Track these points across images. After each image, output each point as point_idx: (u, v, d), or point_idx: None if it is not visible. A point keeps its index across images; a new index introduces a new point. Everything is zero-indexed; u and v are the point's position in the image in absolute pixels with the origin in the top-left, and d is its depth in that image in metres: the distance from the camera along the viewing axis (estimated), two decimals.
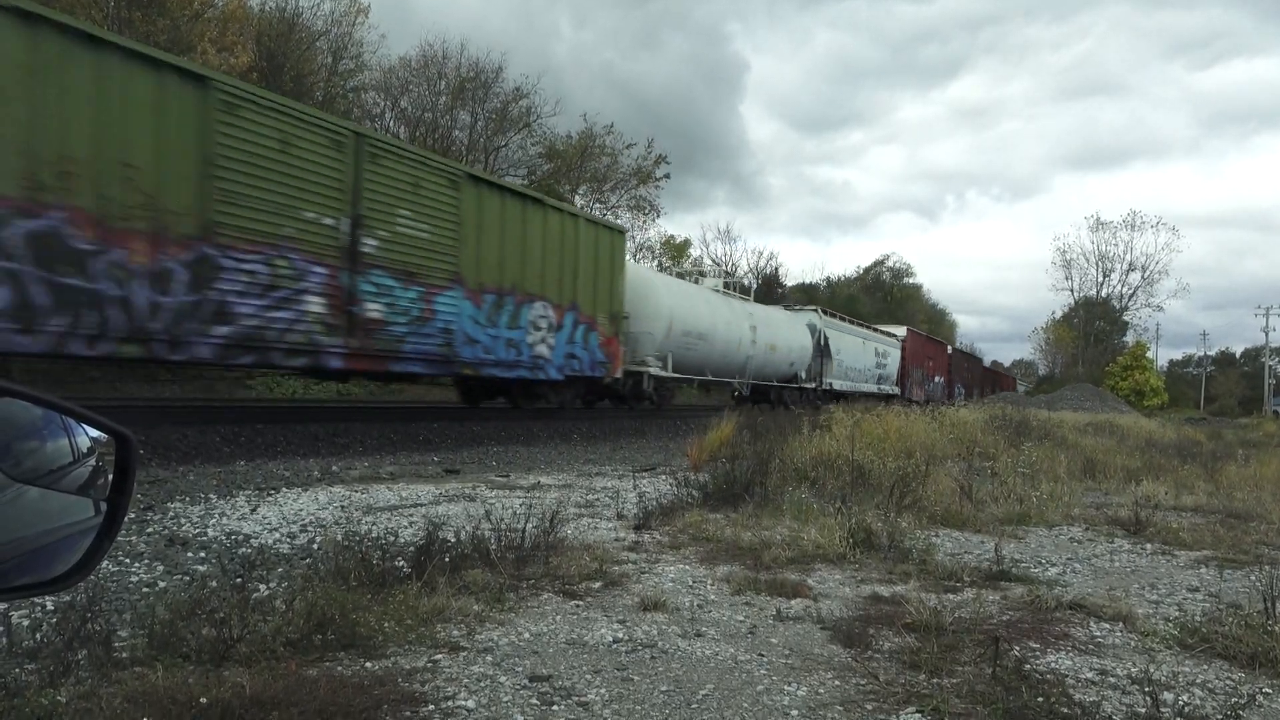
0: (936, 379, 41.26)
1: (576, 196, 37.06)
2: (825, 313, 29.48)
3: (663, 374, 17.99)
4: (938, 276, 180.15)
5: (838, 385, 28.52)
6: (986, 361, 71.41)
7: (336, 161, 9.69)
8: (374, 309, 10.20)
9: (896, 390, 34.87)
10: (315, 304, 9.43)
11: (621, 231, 16.55)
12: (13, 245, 6.85)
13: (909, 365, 36.67)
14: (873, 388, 32.05)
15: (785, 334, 24.92)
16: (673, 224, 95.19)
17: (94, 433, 1.10)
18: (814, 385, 27.18)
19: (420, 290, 10.92)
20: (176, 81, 8.05)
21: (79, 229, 7.31)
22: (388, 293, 10.40)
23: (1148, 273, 72.34)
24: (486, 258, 12.13)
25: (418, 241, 10.86)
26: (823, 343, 27.52)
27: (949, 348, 48.83)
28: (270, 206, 8.91)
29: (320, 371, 11.01)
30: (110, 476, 1.12)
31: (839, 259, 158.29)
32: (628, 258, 17.37)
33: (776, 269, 56.69)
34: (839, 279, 70.19)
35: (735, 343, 21.32)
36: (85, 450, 1.09)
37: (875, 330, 34.50)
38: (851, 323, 32.21)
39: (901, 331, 37.43)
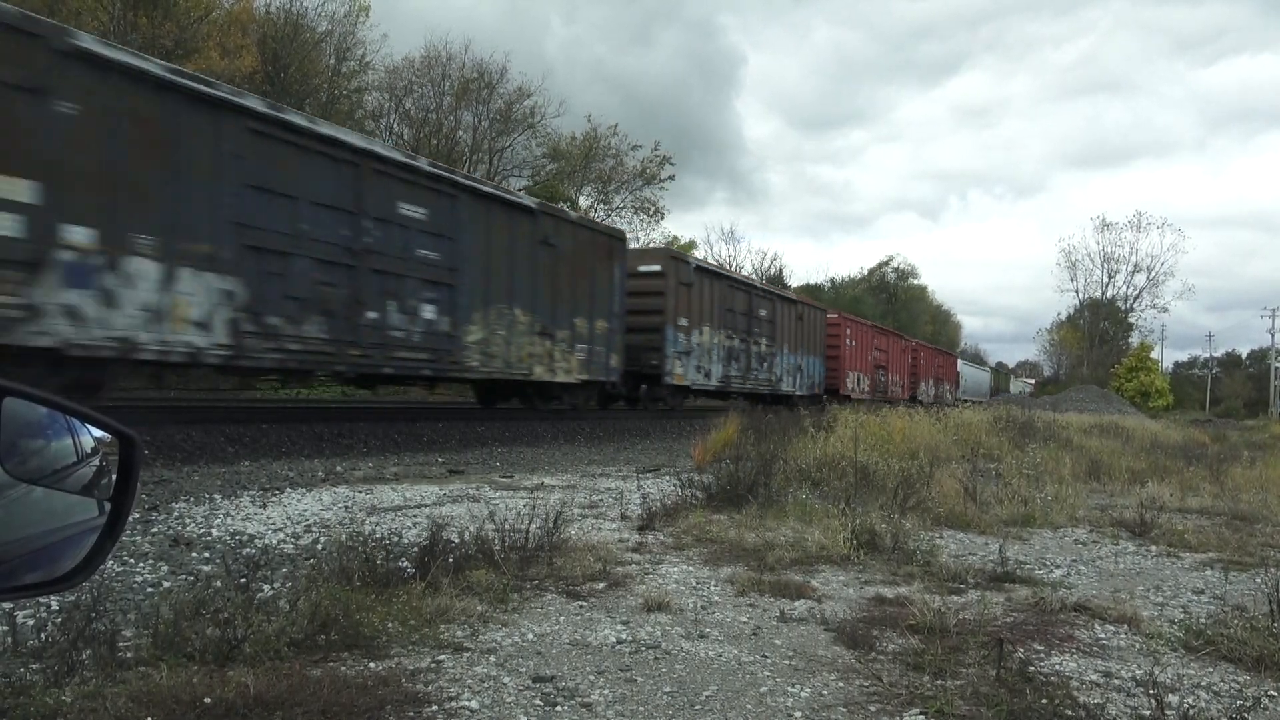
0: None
1: (581, 198, 37.07)
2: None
3: None
4: (942, 277, 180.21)
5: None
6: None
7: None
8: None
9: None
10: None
11: None
12: None
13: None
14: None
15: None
16: (672, 223, 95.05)
17: (98, 433, 1.10)
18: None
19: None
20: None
21: None
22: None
23: (1153, 274, 72.30)
24: None
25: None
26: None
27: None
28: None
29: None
30: (114, 477, 1.12)
31: (843, 260, 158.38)
32: None
33: (781, 269, 56.78)
34: (843, 280, 70.28)
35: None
36: (89, 450, 1.09)
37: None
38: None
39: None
